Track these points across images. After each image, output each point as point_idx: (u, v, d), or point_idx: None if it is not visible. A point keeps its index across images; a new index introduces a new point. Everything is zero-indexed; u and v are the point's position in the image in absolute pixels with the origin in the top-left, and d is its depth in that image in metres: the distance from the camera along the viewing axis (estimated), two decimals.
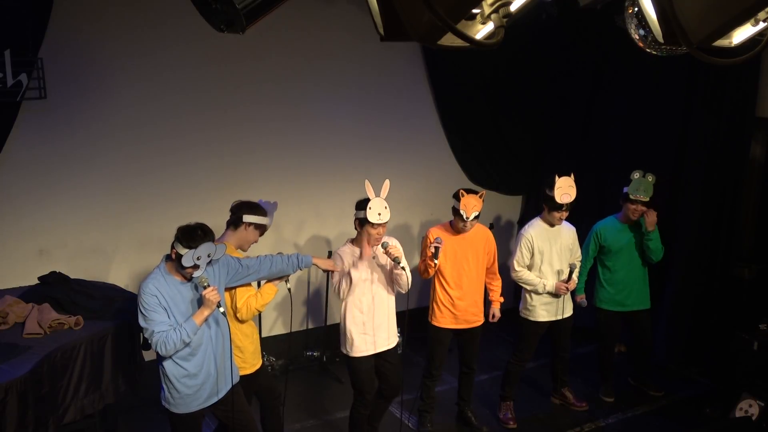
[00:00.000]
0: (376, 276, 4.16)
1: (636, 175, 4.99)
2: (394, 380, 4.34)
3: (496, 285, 4.78)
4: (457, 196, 4.43)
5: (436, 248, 4.34)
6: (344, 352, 4.25)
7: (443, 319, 4.66)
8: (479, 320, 4.73)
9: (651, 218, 4.99)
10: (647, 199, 4.97)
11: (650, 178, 4.96)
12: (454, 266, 4.57)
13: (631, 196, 5.00)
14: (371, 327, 4.15)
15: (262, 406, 4.23)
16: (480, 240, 4.63)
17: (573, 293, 5.05)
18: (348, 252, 4.13)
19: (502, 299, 4.81)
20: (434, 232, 4.55)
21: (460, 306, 4.61)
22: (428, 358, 4.80)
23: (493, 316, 4.77)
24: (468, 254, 4.58)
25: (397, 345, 4.30)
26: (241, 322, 3.88)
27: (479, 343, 4.83)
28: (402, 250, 4.16)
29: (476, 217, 4.42)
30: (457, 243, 4.55)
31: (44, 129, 4.79)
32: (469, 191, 4.43)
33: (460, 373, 4.93)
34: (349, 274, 4.07)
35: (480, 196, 4.42)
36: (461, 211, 4.37)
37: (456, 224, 4.50)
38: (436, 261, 4.34)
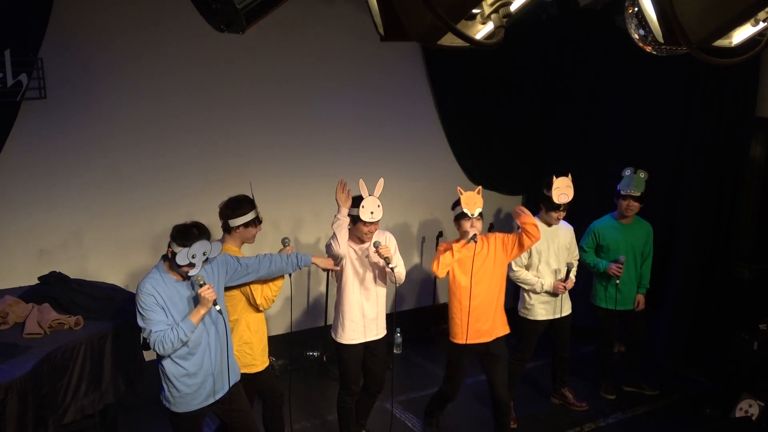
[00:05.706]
0: (369, 269, 4.24)
1: (627, 171, 5.07)
2: (380, 373, 4.44)
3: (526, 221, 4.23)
4: (456, 202, 4.22)
5: (474, 235, 4.07)
6: (334, 338, 4.35)
7: (461, 333, 4.27)
8: (499, 332, 4.43)
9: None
10: (638, 194, 5.03)
11: (642, 174, 5.02)
12: (466, 277, 4.25)
13: (621, 192, 5.08)
14: (362, 317, 4.26)
15: (264, 406, 4.24)
16: (491, 249, 4.31)
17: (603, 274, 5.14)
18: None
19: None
20: (445, 246, 4.26)
21: (475, 315, 4.25)
22: (445, 378, 4.57)
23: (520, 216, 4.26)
24: (482, 266, 4.27)
25: (396, 345, 4.30)
26: (260, 311, 3.97)
27: (504, 365, 4.47)
28: (396, 244, 4.26)
29: (480, 214, 4.17)
30: (469, 256, 4.23)
31: (44, 129, 4.79)
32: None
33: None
34: (344, 262, 4.18)
35: (477, 192, 4.20)
36: (465, 210, 4.11)
37: (462, 228, 4.19)
38: (475, 240, 4.06)
